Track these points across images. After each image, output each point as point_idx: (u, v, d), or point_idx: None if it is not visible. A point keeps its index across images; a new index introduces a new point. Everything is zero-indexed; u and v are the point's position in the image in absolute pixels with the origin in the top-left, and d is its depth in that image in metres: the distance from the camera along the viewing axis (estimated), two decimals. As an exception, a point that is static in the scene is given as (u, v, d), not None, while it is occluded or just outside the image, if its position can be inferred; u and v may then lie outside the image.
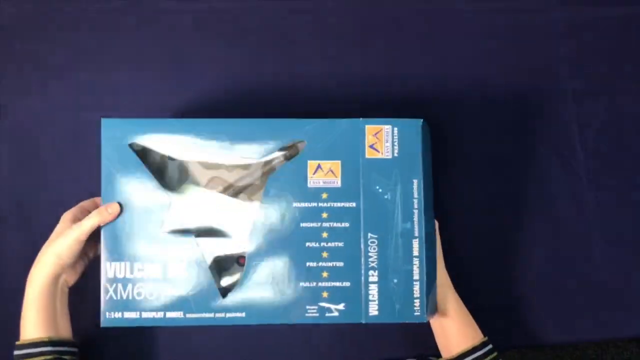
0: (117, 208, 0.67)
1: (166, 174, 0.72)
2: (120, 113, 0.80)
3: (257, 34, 0.84)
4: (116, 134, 0.68)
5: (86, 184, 0.76)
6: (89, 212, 0.68)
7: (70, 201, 0.72)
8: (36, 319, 0.66)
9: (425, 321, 0.67)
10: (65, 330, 0.69)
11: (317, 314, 0.67)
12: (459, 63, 0.85)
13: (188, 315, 0.67)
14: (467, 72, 0.85)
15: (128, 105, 0.82)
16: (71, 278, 0.71)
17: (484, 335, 0.72)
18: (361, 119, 0.69)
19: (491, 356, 0.71)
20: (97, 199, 0.72)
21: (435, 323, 0.73)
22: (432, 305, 0.69)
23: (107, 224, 0.67)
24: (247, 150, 0.68)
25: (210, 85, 0.83)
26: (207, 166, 0.72)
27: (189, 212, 0.70)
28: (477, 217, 0.82)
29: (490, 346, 0.72)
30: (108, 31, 0.83)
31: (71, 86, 0.82)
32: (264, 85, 0.83)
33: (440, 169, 0.78)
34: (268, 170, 0.72)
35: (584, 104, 0.85)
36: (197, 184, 0.72)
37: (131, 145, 0.68)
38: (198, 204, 0.72)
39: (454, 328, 0.72)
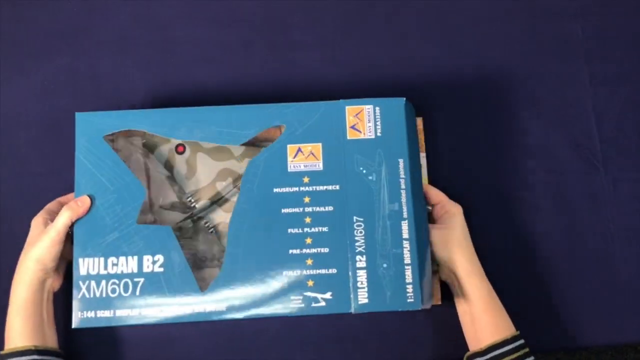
0: (88, 201, 0.64)
1: (175, 168, 0.72)
2: (102, 101, 0.77)
3: (249, 18, 0.81)
4: (91, 128, 0.66)
5: (66, 177, 0.71)
6: (57, 213, 0.65)
7: (47, 195, 0.70)
8: (22, 328, 0.63)
9: (419, 308, 0.62)
10: (51, 339, 0.65)
11: (303, 305, 0.63)
12: (468, 46, 0.81)
13: (165, 312, 0.63)
14: (476, 56, 0.80)
15: (110, 93, 0.78)
16: (56, 282, 0.67)
17: (516, 329, 0.66)
18: (341, 100, 0.67)
19: (522, 351, 0.64)
20: (61, 199, 0.69)
21: (465, 312, 0.67)
22: (427, 292, 0.64)
23: (79, 218, 0.64)
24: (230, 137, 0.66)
25: (200, 72, 0.79)
26: (216, 157, 0.72)
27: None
28: (487, 210, 0.76)
29: (522, 341, 0.65)
30: (89, 14, 0.80)
31: (49, 72, 0.78)
32: (257, 72, 0.79)
33: (451, 157, 0.76)
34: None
35: (601, 89, 0.80)
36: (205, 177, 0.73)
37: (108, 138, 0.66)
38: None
39: (485, 319, 0.65)
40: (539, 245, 0.76)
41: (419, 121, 0.76)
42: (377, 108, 0.66)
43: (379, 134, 0.66)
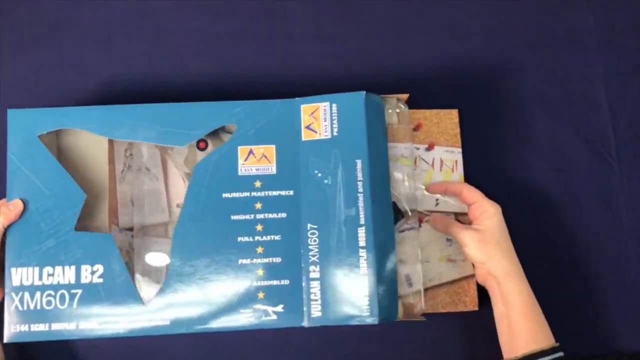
0: (20, 205, 0.59)
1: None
2: (86, 94, 0.72)
3: (243, 8, 0.75)
4: (24, 126, 0.61)
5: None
6: None
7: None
8: None
9: (376, 323, 0.58)
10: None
11: (253, 318, 0.59)
12: (471, 37, 0.76)
13: (105, 326, 0.59)
14: (480, 47, 0.75)
15: (94, 86, 0.72)
16: None
17: (556, 341, 0.61)
18: (297, 98, 0.63)
19: None
20: None
21: (502, 316, 0.62)
22: (392, 308, 0.60)
23: (11, 223, 0.59)
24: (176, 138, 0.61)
25: (192, 65, 0.74)
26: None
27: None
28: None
29: (561, 354, 0.60)
30: (74, 2, 0.75)
31: (34, 64, 0.73)
32: (250, 64, 0.74)
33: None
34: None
35: (614, 82, 0.75)
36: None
37: None
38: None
39: (523, 324, 0.60)
40: (545, 245, 0.71)
41: (455, 113, 0.71)
42: (334, 105, 0.62)
43: (335, 134, 0.61)
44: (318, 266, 0.59)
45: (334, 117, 0.62)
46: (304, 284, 0.59)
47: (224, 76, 0.74)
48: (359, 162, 0.61)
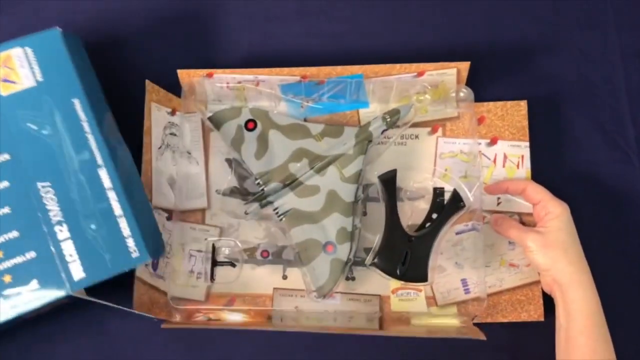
0: None
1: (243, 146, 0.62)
2: None
3: None
4: None
5: None
6: None
7: None
8: None
9: (148, 261, 0.53)
10: None
11: (8, 308, 0.50)
12: (478, 17, 0.68)
13: None
14: (489, 26, 0.68)
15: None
16: None
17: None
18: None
19: None
20: None
21: (560, 328, 0.55)
22: (158, 242, 0.55)
23: None
24: None
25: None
26: (291, 135, 0.62)
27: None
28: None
29: None
30: None
31: None
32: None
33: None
34: None
35: (634, 64, 0.67)
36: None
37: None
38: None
39: (581, 341, 0.54)
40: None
41: (523, 105, 0.64)
42: (29, 50, 0.54)
43: (39, 79, 0.54)
44: (65, 225, 0.52)
45: (32, 63, 0.54)
46: (53, 249, 0.51)
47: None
48: (76, 102, 0.54)
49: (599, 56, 0.68)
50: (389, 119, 0.60)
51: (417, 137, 0.64)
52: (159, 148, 0.62)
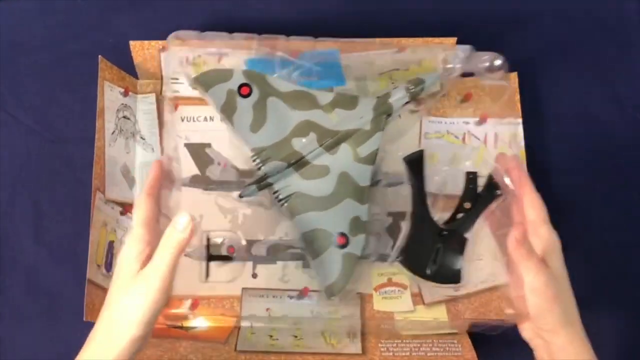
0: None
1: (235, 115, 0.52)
2: None
3: None
4: None
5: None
6: None
7: None
8: None
9: None
10: None
11: None
12: None
13: None
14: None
15: None
16: None
17: None
18: None
19: None
20: None
21: None
22: None
23: None
24: None
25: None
26: (295, 104, 0.53)
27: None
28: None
29: None
30: None
31: None
32: None
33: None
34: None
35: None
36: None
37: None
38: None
39: None
40: (582, 230, 0.59)
41: (513, 77, 0.58)
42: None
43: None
44: None
45: None
46: None
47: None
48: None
49: (615, 24, 0.65)
50: (413, 89, 0.52)
51: (398, 116, 0.57)
52: (112, 133, 0.55)
